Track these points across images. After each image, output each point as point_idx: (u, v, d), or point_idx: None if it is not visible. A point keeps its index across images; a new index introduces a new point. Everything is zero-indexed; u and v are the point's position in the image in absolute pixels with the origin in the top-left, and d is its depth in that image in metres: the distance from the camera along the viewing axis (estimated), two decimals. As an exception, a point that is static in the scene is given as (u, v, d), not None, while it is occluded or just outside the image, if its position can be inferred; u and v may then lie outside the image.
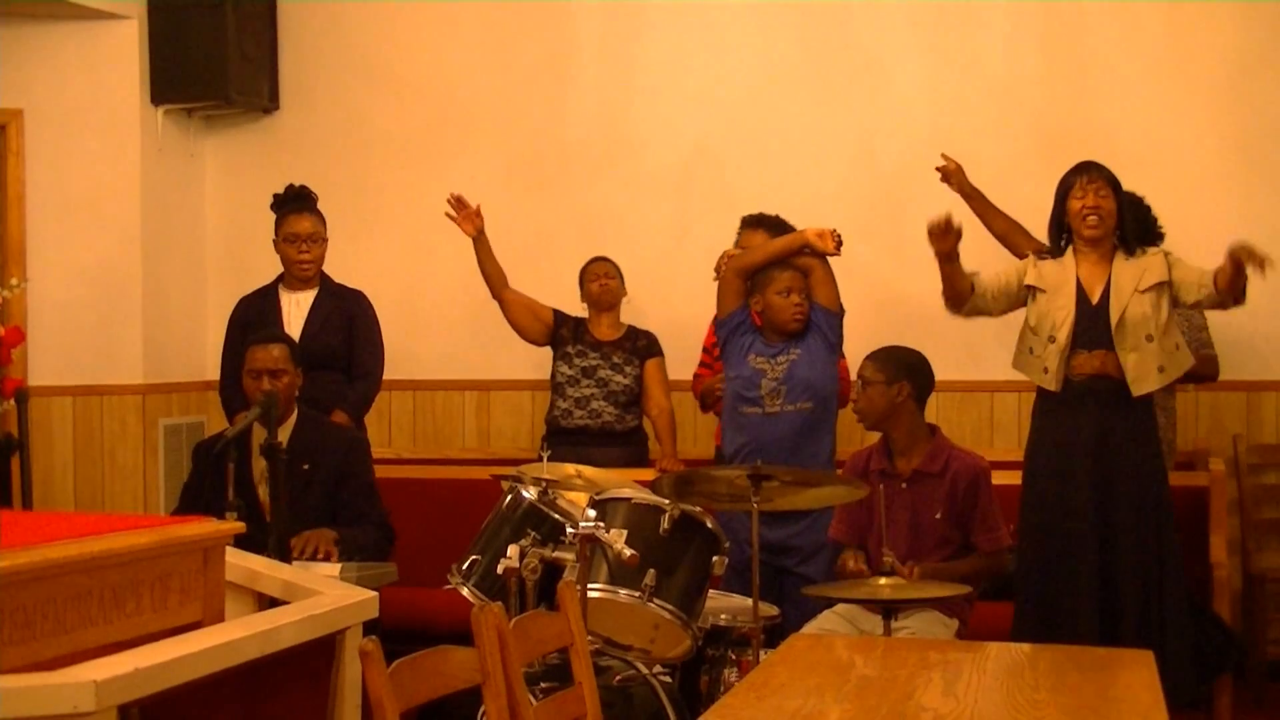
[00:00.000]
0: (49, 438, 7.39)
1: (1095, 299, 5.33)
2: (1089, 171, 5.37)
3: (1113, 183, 5.36)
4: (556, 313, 6.84)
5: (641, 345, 6.80)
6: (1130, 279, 5.31)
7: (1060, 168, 5.47)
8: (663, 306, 7.21)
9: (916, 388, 5.26)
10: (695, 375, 6.80)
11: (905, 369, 5.27)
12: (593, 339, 6.78)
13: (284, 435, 5.55)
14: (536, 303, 6.84)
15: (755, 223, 6.49)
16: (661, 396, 6.79)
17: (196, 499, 5.48)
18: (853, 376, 5.64)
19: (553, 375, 6.80)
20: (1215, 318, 6.75)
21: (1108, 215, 5.34)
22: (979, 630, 5.11)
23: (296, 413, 5.68)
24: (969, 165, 7.14)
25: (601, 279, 6.81)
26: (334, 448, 5.64)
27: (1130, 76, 7.11)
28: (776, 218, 6.47)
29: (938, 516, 5.14)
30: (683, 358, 6.87)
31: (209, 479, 5.26)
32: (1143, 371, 5.28)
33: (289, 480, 5.14)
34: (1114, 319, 5.27)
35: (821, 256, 5.78)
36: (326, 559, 5.24)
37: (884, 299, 6.98)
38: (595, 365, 6.71)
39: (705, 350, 6.78)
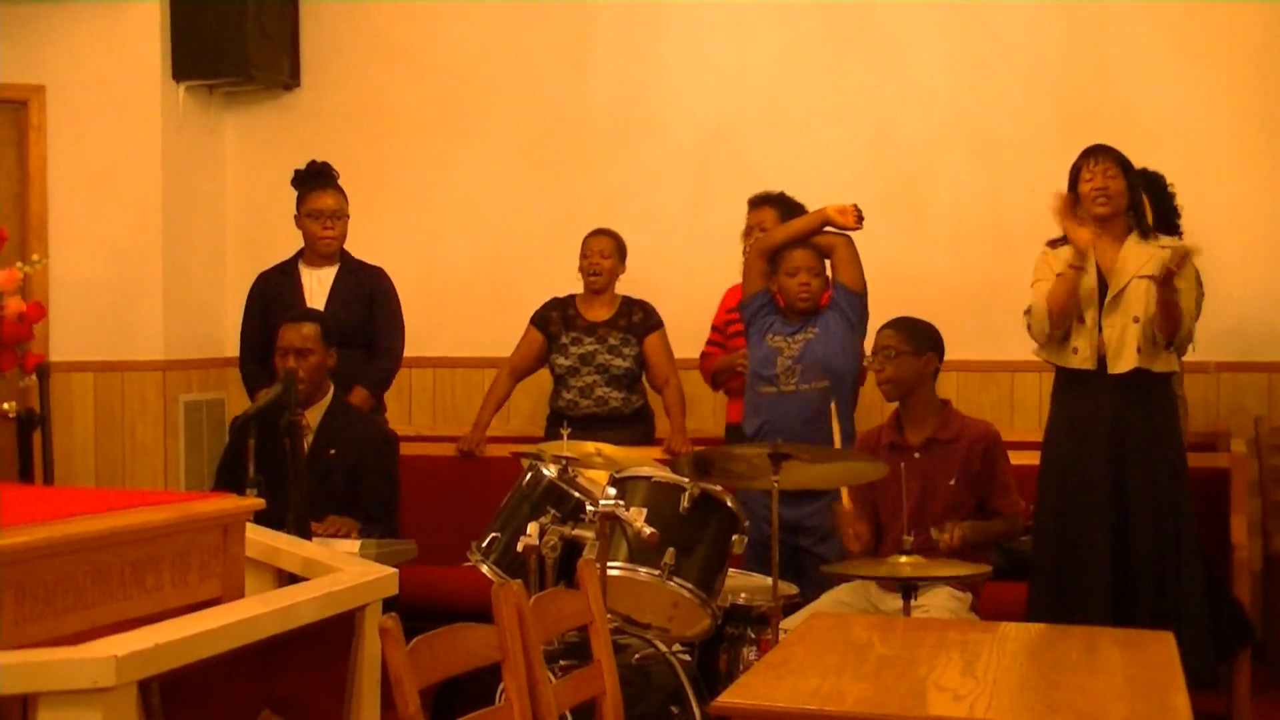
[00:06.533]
0: (69, 414, 7.40)
1: (1110, 279, 5.33)
2: (1096, 154, 5.38)
3: (1122, 163, 5.37)
4: (539, 318, 6.78)
5: (637, 320, 6.69)
6: (1136, 261, 5.31)
7: (1082, 146, 5.46)
8: (681, 285, 7.20)
9: (940, 360, 5.34)
10: (703, 354, 6.74)
11: (931, 341, 5.34)
12: (585, 322, 6.68)
13: (314, 417, 5.57)
14: (524, 347, 6.82)
15: (763, 201, 6.48)
16: (669, 371, 6.68)
17: (232, 474, 5.49)
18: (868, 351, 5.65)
19: (551, 367, 6.72)
20: (1238, 300, 6.76)
21: (1116, 194, 5.34)
22: (992, 610, 5.12)
23: (331, 397, 5.68)
24: (990, 144, 7.16)
25: (595, 258, 6.68)
26: (361, 440, 5.66)
27: (1152, 54, 7.07)
28: (782, 195, 6.46)
29: (951, 483, 5.18)
30: (701, 336, 6.84)
31: (242, 454, 5.27)
32: (1121, 349, 5.28)
33: (313, 463, 5.14)
34: (1110, 294, 5.28)
35: (845, 234, 5.77)
36: (346, 536, 5.26)
37: (903, 278, 6.95)
38: (592, 351, 6.61)
39: (715, 329, 6.73)
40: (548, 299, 6.85)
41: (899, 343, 5.28)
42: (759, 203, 6.50)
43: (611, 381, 6.59)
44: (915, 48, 7.33)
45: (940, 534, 4.93)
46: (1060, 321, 5.31)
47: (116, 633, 2.86)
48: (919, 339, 5.31)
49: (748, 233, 6.49)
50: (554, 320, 6.72)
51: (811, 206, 6.01)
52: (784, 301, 5.81)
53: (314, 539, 4.96)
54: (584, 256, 6.71)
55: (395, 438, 5.94)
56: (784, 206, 6.38)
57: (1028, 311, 5.40)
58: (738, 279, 6.51)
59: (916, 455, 5.20)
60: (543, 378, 6.81)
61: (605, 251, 6.68)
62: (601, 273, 6.66)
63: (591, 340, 6.63)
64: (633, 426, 6.63)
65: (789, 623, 4.65)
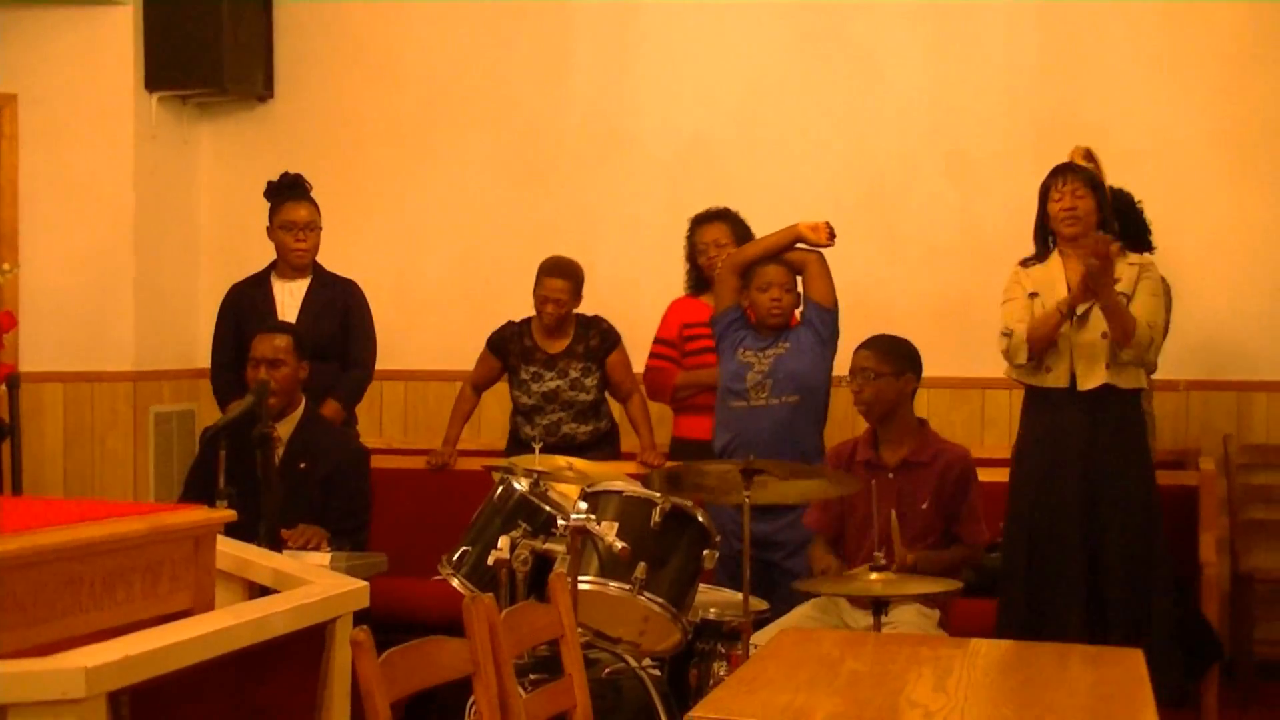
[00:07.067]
0: (40, 424, 7.37)
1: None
2: (1065, 174, 5.40)
3: (1091, 182, 5.38)
4: (495, 346, 6.66)
5: (595, 345, 6.56)
6: None
7: (1056, 164, 5.48)
8: (656, 302, 7.18)
9: (918, 379, 5.31)
10: (652, 368, 6.65)
11: (910, 361, 5.30)
12: (544, 355, 6.54)
13: (286, 429, 5.55)
14: (483, 368, 6.75)
15: (715, 217, 6.47)
16: (631, 386, 6.65)
17: (202, 485, 5.47)
18: (839, 371, 5.64)
19: (512, 398, 6.62)
20: (1208, 318, 6.79)
21: (1085, 214, 5.35)
22: (961, 627, 5.12)
23: (303, 410, 5.66)
24: (965, 161, 7.18)
25: (550, 305, 6.47)
26: (333, 453, 5.63)
27: (1127, 73, 7.11)
28: (727, 209, 6.47)
29: (924, 506, 5.16)
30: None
31: (214, 466, 5.25)
32: (1091, 366, 5.29)
33: (284, 476, 5.12)
34: (1079, 312, 5.28)
35: (816, 250, 5.78)
36: (316, 549, 5.25)
37: (877, 295, 6.97)
38: (555, 389, 6.49)
39: (665, 342, 6.63)
40: (504, 322, 6.71)
41: (877, 364, 5.24)
42: (708, 219, 6.48)
43: (577, 417, 6.53)
44: (891, 64, 7.35)
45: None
46: (1037, 355, 5.32)
47: (87, 644, 2.85)
48: (898, 359, 5.27)
49: (701, 250, 6.47)
50: (512, 352, 6.60)
51: (785, 222, 6.02)
52: (755, 317, 5.81)
53: (284, 547, 4.95)
54: (541, 300, 6.50)
55: (366, 451, 5.93)
56: (733, 221, 6.40)
57: (1008, 334, 5.38)
58: (682, 292, 6.65)
59: (891, 475, 5.18)
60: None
61: (561, 300, 6.47)
62: (555, 317, 6.50)
63: (553, 375, 6.52)
64: (601, 447, 6.55)
65: (759, 637, 4.65)
